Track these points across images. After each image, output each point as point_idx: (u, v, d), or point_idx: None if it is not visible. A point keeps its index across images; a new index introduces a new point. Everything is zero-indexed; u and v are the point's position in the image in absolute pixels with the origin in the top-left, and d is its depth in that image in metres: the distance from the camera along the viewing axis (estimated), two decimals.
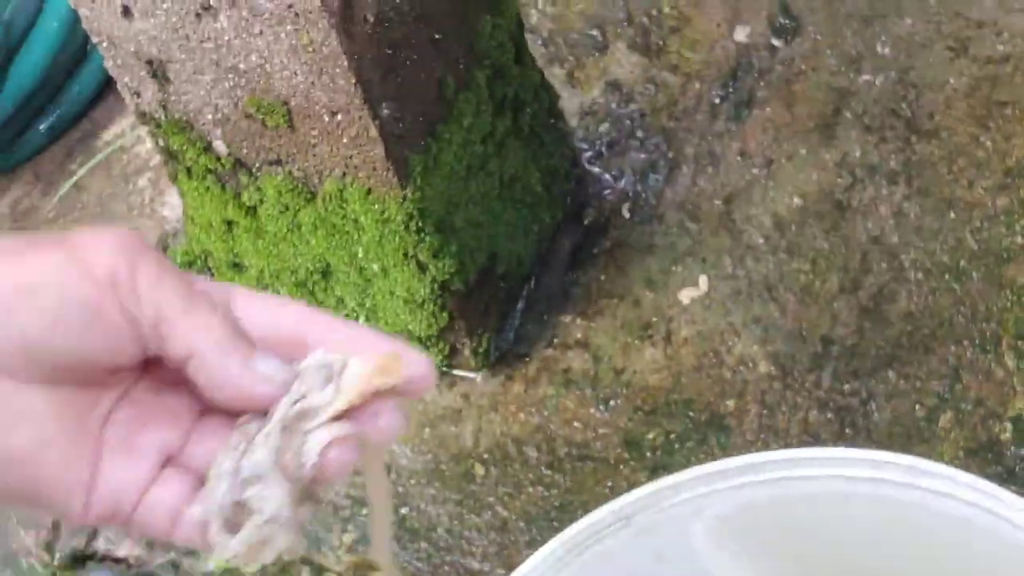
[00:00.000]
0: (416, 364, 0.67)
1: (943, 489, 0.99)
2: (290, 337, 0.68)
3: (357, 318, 1.68)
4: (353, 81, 1.42)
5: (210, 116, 1.53)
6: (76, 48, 2.18)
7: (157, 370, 0.67)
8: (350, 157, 1.50)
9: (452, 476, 1.67)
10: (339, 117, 1.46)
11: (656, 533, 1.08)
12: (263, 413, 0.66)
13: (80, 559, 1.74)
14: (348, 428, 0.65)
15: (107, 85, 2.20)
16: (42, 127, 2.19)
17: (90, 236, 0.64)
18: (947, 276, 1.65)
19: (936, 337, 1.60)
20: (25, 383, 0.63)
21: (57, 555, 1.75)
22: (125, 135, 2.14)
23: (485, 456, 1.67)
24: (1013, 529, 0.96)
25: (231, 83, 1.47)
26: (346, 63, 1.40)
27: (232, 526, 0.66)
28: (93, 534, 1.74)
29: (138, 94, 1.55)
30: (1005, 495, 0.97)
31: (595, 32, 1.98)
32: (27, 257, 0.63)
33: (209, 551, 0.66)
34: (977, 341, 1.59)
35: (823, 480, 1.03)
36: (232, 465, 0.65)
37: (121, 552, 1.73)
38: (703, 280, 1.72)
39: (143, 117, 1.58)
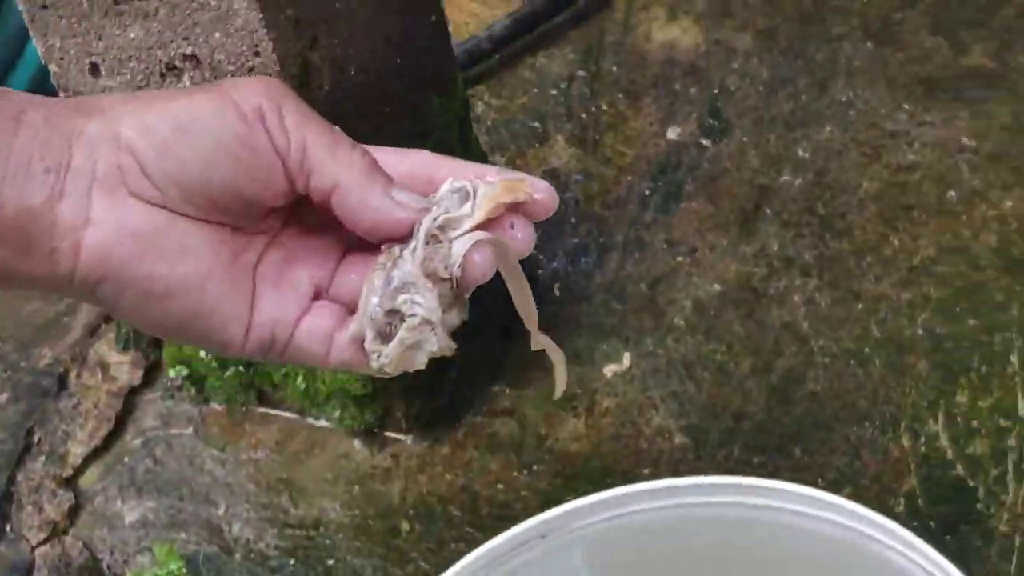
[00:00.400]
0: (540, 187, 0.76)
1: (812, 511, 1.08)
2: (422, 174, 0.76)
3: (296, 375, 1.76)
4: None
5: None
6: None
7: (302, 216, 0.75)
8: None
9: (378, 531, 1.74)
10: None
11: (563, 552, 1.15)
12: (404, 240, 0.72)
13: None
14: (487, 235, 0.73)
15: None
16: None
17: (238, 81, 0.71)
18: (852, 362, 1.74)
19: (839, 418, 1.69)
20: (186, 219, 0.69)
21: None
22: None
23: (411, 513, 1.74)
24: (882, 548, 1.05)
25: None
26: None
27: (385, 337, 0.71)
28: (27, 573, 1.79)
29: None
30: (866, 512, 1.06)
31: (536, 124, 2.09)
32: (181, 100, 0.69)
33: (363, 367, 0.72)
34: (877, 422, 1.68)
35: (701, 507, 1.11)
36: (383, 278, 0.71)
37: None
38: (626, 357, 1.80)
39: None
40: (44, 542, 1.81)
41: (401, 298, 0.71)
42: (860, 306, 1.79)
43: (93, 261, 0.68)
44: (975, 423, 1.66)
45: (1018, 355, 1.71)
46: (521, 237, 0.74)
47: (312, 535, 1.74)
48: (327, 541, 1.74)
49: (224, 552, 1.76)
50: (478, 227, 0.73)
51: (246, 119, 0.69)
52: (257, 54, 1.43)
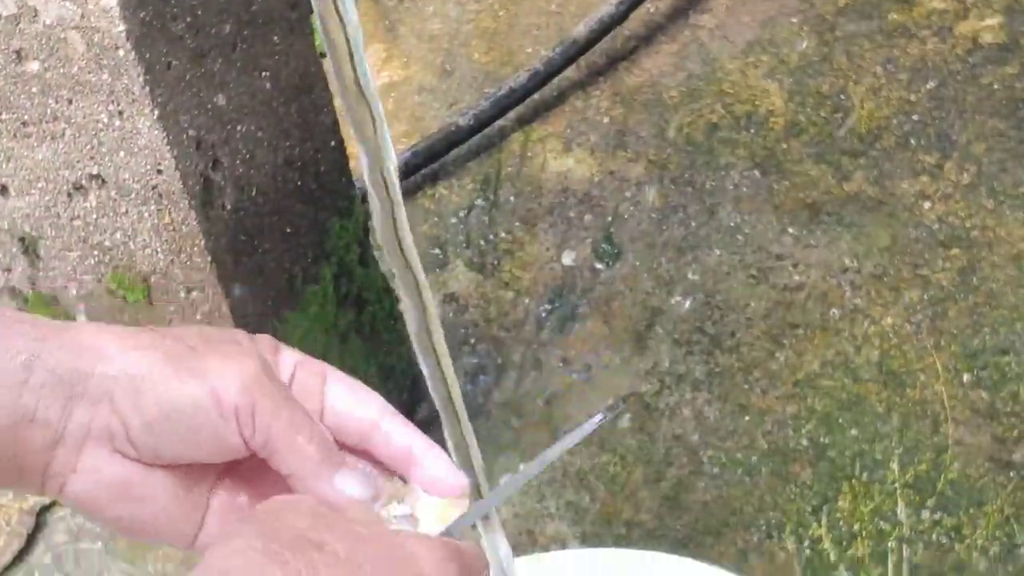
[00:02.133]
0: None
1: None
2: (367, 425, 0.83)
3: None
4: (209, 259, 1.54)
5: (75, 291, 1.63)
6: None
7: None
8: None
9: None
10: (194, 294, 1.58)
11: None
12: None
13: None
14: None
15: None
16: None
17: (224, 370, 0.77)
18: (739, 471, 1.79)
19: (728, 524, 1.74)
20: (151, 468, 0.78)
21: None
22: None
23: None
24: None
25: (96, 259, 1.59)
26: (203, 242, 1.53)
27: None
28: None
29: (8, 270, 1.65)
30: None
31: (437, 251, 2.14)
32: (171, 384, 0.77)
33: None
34: (764, 528, 1.73)
35: None
36: None
37: None
38: (522, 468, 1.84)
39: (11, 293, 1.68)
40: None
41: None
42: (747, 418, 1.85)
43: (71, 500, 0.79)
44: (857, 527, 1.71)
45: (898, 462, 1.76)
46: None
47: None
48: None
49: None
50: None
51: (223, 416, 0.77)
52: (160, 172, 1.47)
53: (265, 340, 0.83)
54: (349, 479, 0.81)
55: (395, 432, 0.83)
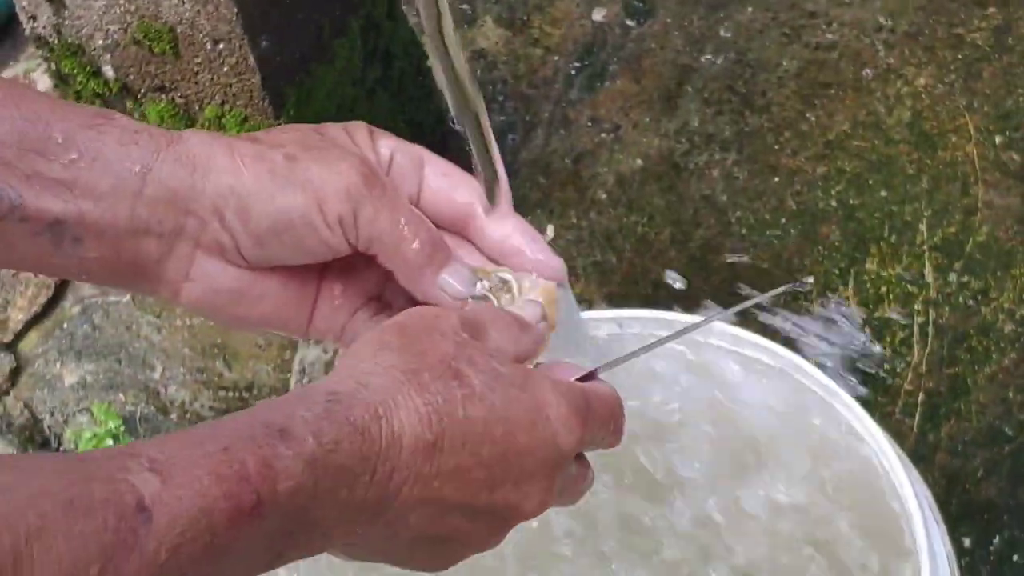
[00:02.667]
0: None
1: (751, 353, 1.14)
2: (464, 209, 0.85)
3: None
4: (235, 11, 1.52)
5: (100, 41, 1.62)
6: None
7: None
8: (229, 85, 1.61)
9: None
10: (221, 46, 1.57)
11: None
12: None
13: None
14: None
15: (3, 31, 2.27)
16: None
17: (327, 180, 0.79)
18: (768, 232, 1.79)
19: (755, 286, 1.74)
20: (263, 274, 0.82)
21: None
22: (19, 77, 2.21)
23: None
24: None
25: (122, 8, 1.57)
26: None
27: None
28: None
29: (34, 18, 1.64)
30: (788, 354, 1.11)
31: (465, 6, 2.11)
32: (277, 199, 0.79)
33: None
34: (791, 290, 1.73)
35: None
36: None
37: None
38: (550, 228, 1.84)
39: (38, 41, 1.67)
40: None
41: None
42: (777, 179, 1.84)
43: (189, 302, 0.82)
44: (883, 289, 1.71)
45: (926, 225, 1.75)
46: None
47: (245, 396, 1.78)
48: (258, 402, 1.77)
49: (160, 412, 1.79)
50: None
51: (328, 224, 0.79)
52: None
53: (361, 130, 0.85)
54: (453, 278, 0.83)
55: (492, 220, 0.86)
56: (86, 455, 0.62)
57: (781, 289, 0.87)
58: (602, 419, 0.80)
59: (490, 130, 0.88)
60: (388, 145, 0.85)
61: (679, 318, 1.18)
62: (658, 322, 1.18)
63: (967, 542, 1.50)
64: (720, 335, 1.17)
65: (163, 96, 1.65)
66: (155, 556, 0.58)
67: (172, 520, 0.59)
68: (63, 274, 0.82)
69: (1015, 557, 1.51)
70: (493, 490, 0.74)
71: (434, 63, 0.83)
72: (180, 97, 1.64)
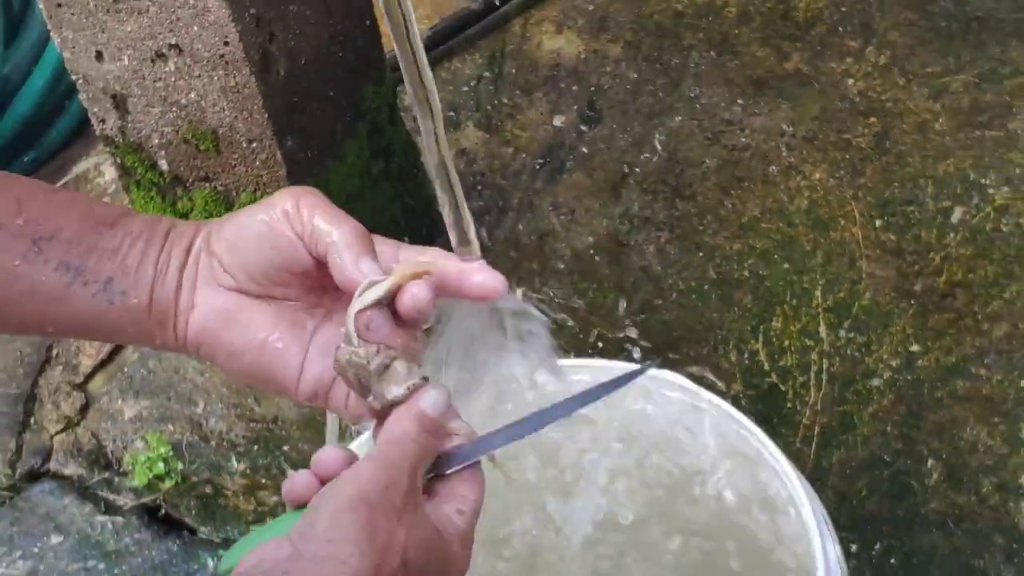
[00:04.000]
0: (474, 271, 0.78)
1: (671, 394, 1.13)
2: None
3: None
4: (266, 116, 1.52)
5: (156, 140, 1.62)
6: (57, 100, 2.25)
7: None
8: (261, 176, 1.60)
9: (323, 425, 1.76)
10: (254, 144, 1.56)
11: None
12: None
13: (35, 475, 1.80)
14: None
15: (78, 132, 2.27)
16: (26, 159, 2.25)
17: (285, 191, 0.79)
18: (693, 296, 1.79)
19: (684, 339, 1.74)
20: (253, 299, 0.79)
21: (18, 471, 1.80)
22: (90, 170, 2.21)
23: None
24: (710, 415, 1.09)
25: (174, 115, 1.57)
26: (262, 102, 1.51)
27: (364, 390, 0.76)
28: (47, 456, 1.81)
29: (103, 121, 1.63)
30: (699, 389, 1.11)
31: (451, 114, 2.11)
32: (245, 213, 0.79)
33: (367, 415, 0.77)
34: (711, 343, 1.73)
35: None
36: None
37: (67, 471, 1.79)
38: (519, 293, 1.83)
39: (106, 140, 1.66)
40: (60, 432, 1.82)
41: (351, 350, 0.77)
42: (701, 254, 1.84)
43: (195, 332, 0.79)
44: (786, 343, 1.71)
45: (821, 291, 1.76)
46: (416, 292, 0.77)
47: (271, 427, 1.77)
48: (283, 432, 1.76)
49: (202, 440, 1.78)
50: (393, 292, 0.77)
51: (277, 217, 0.78)
52: (227, 43, 1.45)
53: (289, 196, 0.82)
54: (371, 267, 0.77)
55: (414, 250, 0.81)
56: None
57: (631, 371, 0.82)
58: (475, 522, 0.77)
59: (464, 205, 0.86)
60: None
61: (616, 366, 1.18)
62: (602, 370, 1.18)
63: (853, 548, 1.50)
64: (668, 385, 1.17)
65: (207, 184, 1.65)
66: None
67: None
68: (111, 332, 0.80)
69: (893, 560, 1.51)
70: None
71: (426, 156, 0.82)
72: (221, 185, 1.64)
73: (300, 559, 0.68)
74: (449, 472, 0.76)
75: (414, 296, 0.76)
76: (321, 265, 0.78)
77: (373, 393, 0.75)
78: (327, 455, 0.75)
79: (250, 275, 0.78)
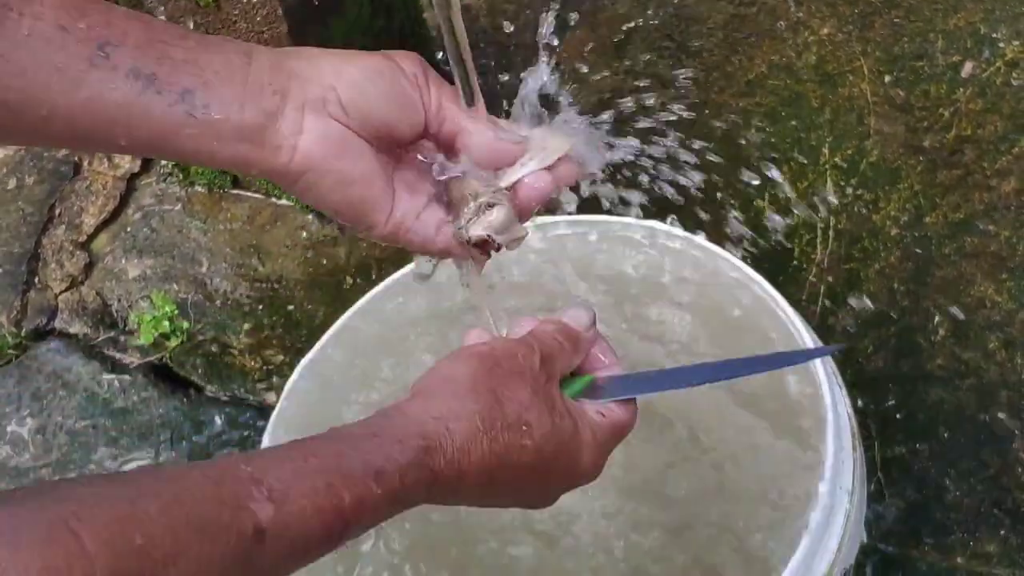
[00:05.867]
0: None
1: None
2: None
3: None
4: None
5: None
6: None
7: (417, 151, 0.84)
8: (262, 32, 1.56)
9: (327, 284, 1.75)
10: (254, 0, 1.52)
11: None
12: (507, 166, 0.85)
13: (42, 334, 1.79)
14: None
15: None
16: None
17: (397, 53, 0.81)
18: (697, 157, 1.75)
19: (689, 201, 1.71)
20: (359, 137, 0.79)
21: (24, 330, 1.79)
22: None
23: (353, 270, 1.75)
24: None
25: None
26: None
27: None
28: (52, 315, 1.79)
29: None
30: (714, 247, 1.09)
31: None
32: (368, 59, 0.79)
33: (456, 247, 0.84)
34: (716, 201, 1.70)
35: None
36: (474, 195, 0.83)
37: (73, 329, 1.78)
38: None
39: None
40: (65, 291, 1.81)
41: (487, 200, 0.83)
42: (707, 111, 1.80)
43: (304, 156, 0.78)
44: (793, 200, 1.68)
45: (828, 148, 1.72)
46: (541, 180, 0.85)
47: (276, 287, 1.75)
48: (287, 292, 1.75)
49: (207, 300, 1.76)
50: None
51: (409, 80, 0.80)
52: None
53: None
54: (508, 132, 0.85)
55: (476, 130, 0.85)
56: (214, 473, 0.62)
57: (810, 350, 0.91)
58: (617, 441, 0.84)
59: (471, 59, 0.86)
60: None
61: (634, 223, 1.16)
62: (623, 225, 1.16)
63: (860, 403, 1.49)
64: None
65: None
66: (262, 571, 0.62)
67: (279, 540, 0.62)
68: (192, 150, 0.76)
69: (898, 416, 1.51)
70: (532, 492, 0.81)
71: (437, 11, 0.82)
72: None
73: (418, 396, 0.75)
74: (604, 400, 0.83)
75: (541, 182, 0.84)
76: (420, 136, 0.81)
77: (469, 225, 0.82)
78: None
79: (365, 119, 0.78)
